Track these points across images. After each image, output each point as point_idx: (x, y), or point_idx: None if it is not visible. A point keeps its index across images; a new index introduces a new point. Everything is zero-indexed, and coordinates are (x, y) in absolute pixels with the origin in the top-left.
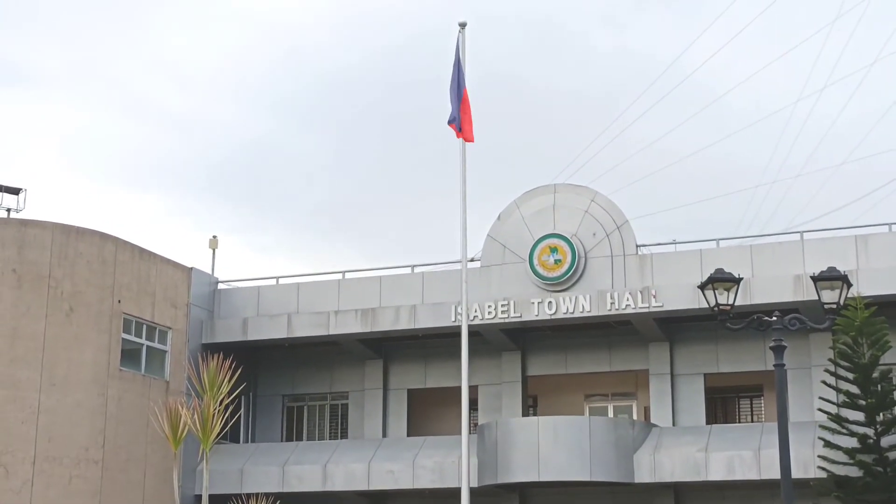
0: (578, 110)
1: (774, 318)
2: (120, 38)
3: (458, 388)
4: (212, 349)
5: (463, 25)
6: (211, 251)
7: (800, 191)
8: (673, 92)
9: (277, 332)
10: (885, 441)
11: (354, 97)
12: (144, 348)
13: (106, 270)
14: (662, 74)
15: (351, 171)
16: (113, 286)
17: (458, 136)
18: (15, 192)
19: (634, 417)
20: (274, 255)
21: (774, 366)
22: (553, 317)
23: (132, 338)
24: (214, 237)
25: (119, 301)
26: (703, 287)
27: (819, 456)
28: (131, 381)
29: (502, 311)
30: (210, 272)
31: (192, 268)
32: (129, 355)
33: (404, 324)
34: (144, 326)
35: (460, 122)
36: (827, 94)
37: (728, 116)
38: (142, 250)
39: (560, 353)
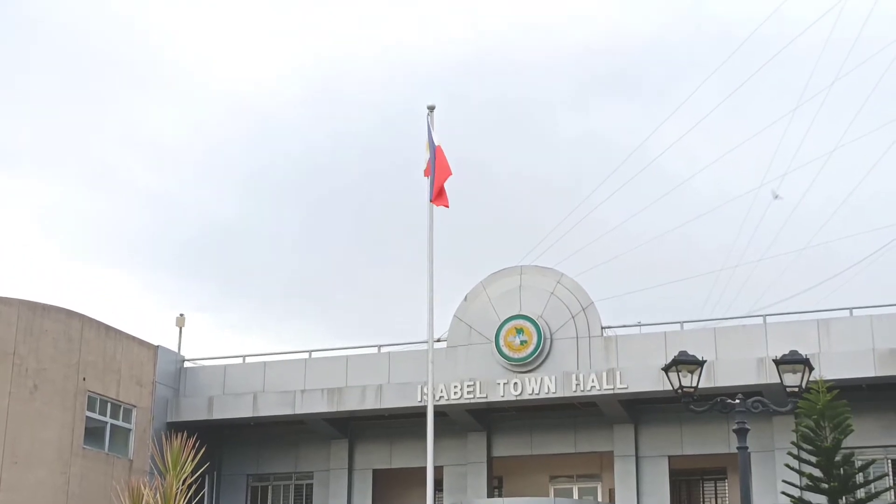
0: (545, 192)
1: (737, 401)
2: (93, 115)
3: (424, 469)
4: (177, 427)
5: (431, 108)
6: (178, 329)
7: (763, 274)
8: (637, 176)
9: (243, 410)
10: None
11: (324, 177)
12: (108, 426)
13: (72, 348)
14: (627, 159)
15: (319, 250)
16: (78, 363)
17: (436, 205)
18: None
19: (599, 499)
20: (241, 334)
21: (738, 448)
22: (519, 398)
23: (96, 416)
24: (181, 315)
25: (84, 378)
26: (667, 369)
27: None
28: (94, 460)
29: (468, 392)
30: (176, 350)
31: (158, 346)
32: (93, 433)
33: (370, 403)
34: (109, 404)
35: (432, 193)
36: (789, 180)
37: (692, 200)
38: (108, 328)
39: (525, 434)
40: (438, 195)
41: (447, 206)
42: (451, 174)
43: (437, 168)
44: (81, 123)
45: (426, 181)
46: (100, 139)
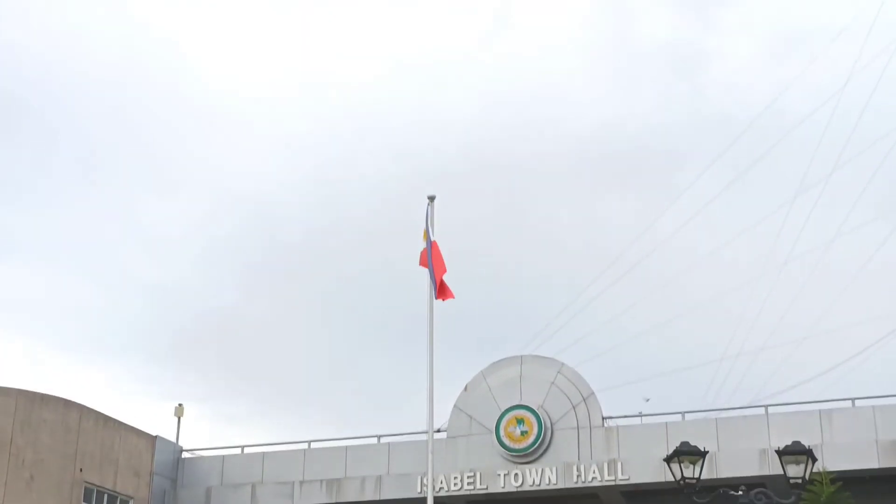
0: (545, 282)
1: (740, 493)
2: (89, 205)
3: None
4: None
5: (432, 199)
6: (176, 419)
7: (763, 364)
8: (637, 266)
9: (241, 502)
10: None
11: (324, 266)
12: None
13: (69, 438)
14: (627, 250)
15: (318, 339)
16: (75, 454)
17: (443, 299)
18: None
19: None
20: (240, 424)
21: None
22: (519, 489)
23: None
24: (180, 405)
25: (81, 469)
26: (668, 460)
27: None
28: None
29: (468, 483)
30: (175, 440)
31: (156, 436)
32: None
33: (370, 495)
34: (106, 495)
35: (436, 288)
36: (789, 269)
37: (692, 289)
38: (106, 418)
39: None
40: (441, 289)
41: (453, 297)
42: (445, 271)
43: (433, 262)
44: (78, 214)
45: (425, 271)
46: (97, 230)
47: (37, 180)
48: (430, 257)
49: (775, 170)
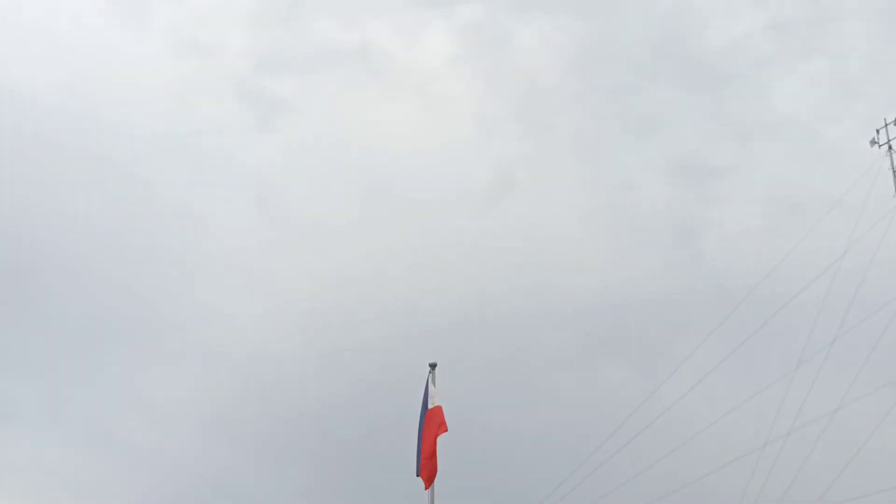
0: (546, 451)
1: None
2: (82, 371)
3: None
4: None
5: (433, 366)
6: None
7: None
8: (642, 433)
9: None
10: None
11: (321, 435)
12: None
13: None
14: (630, 416)
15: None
16: None
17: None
18: None
19: None
20: None
21: None
22: None
23: None
24: None
25: None
26: None
27: None
28: None
29: None
30: None
31: None
32: None
33: None
34: None
35: (419, 469)
36: (794, 438)
37: (697, 458)
38: None
39: None
40: (429, 470)
41: (426, 487)
42: (446, 430)
43: (426, 432)
44: (70, 379)
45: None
46: (93, 396)
47: (28, 345)
48: (422, 430)
49: (776, 338)
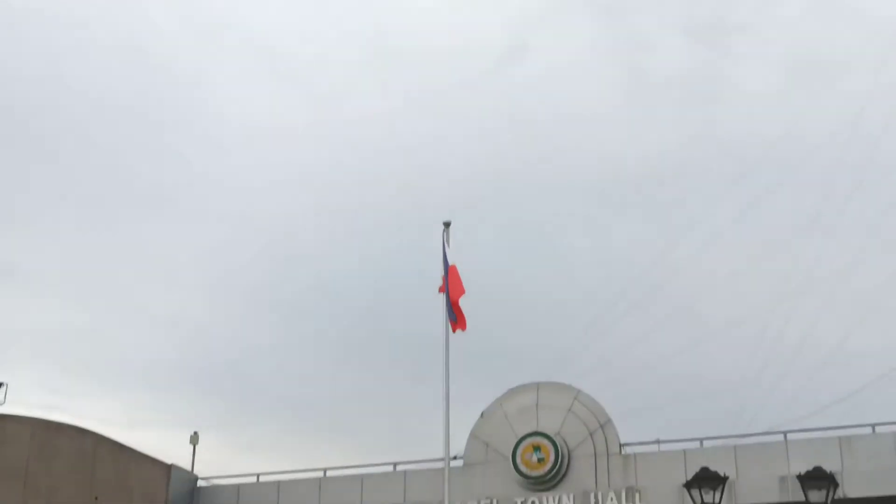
0: (560, 309)
1: None
2: (107, 236)
3: None
4: None
5: (447, 225)
6: (191, 447)
7: (782, 391)
8: (656, 290)
9: None
10: None
11: (338, 294)
12: None
13: (84, 466)
14: (646, 273)
15: (334, 368)
16: (91, 482)
17: (454, 330)
18: None
19: None
20: (255, 452)
21: None
22: None
23: None
24: (195, 433)
25: (96, 497)
26: (689, 486)
27: None
28: None
29: None
30: (190, 469)
31: (171, 464)
32: None
33: None
34: None
35: (453, 317)
36: (807, 296)
37: (709, 316)
38: (121, 446)
39: None
40: (458, 318)
41: (464, 329)
42: (463, 292)
43: (451, 288)
44: (96, 245)
45: (441, 297)
46: (113, 259)
47: (56, 209)
48: (448, 283)
49: (793, 195)
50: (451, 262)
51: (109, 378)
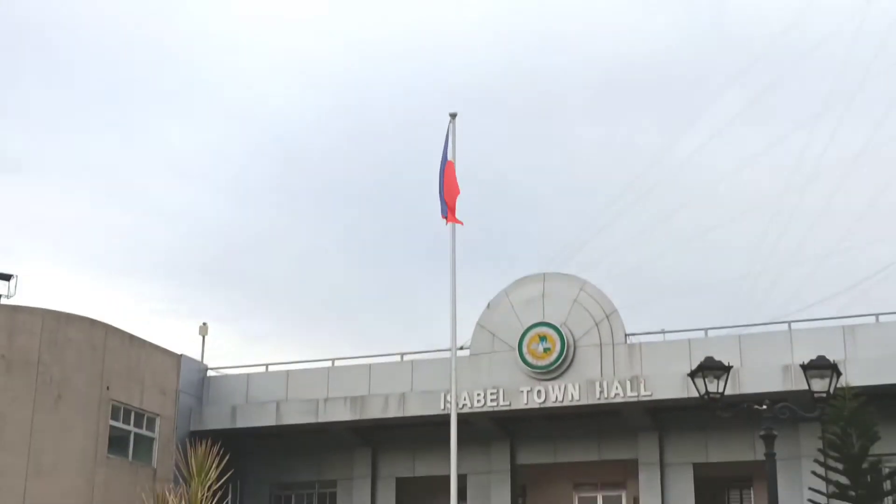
0: (568, 200)
1: (764, 408)
2: (119, 132)
3: (447, 477)
4: (200, 436)
5: (453, 116)
6: (201, 338)
7: (788, 281)
8: (662, 183)
9: (266, 419)
10: None
11: (347, 186)
12: (132, 435)
13: (95, 357)
14: (650, 166)
15: (342, 259)
16: (102, 372)
17: (448, 222)
18: (6, 278)
19: None
20: (264, 343)
21: (765, 455)
22: (542, 405)
23: (120, 424)
24: (204, 324)
25: (108, 387)
26: (693, 375)
27: None
28: (119, 468)
29: (491, 400)
30: (199, 359)
31: (181, 355)
32: (117, 442)
33: (393, 412)
34: (133, 413)
35: (446, 210)
36: (813, 186)
37: (716, 208)
38: (131, 337)
39: (549, 442)
40: (450, 212)
41: (461, 224)
42: (458, 193)
43: (445, 185)
44: (104, 140)
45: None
46: (123, 155)
47: (64, 104)
48: (443, 178)
49: (798, 89)
50: (450, 158)
51: (118, 271)
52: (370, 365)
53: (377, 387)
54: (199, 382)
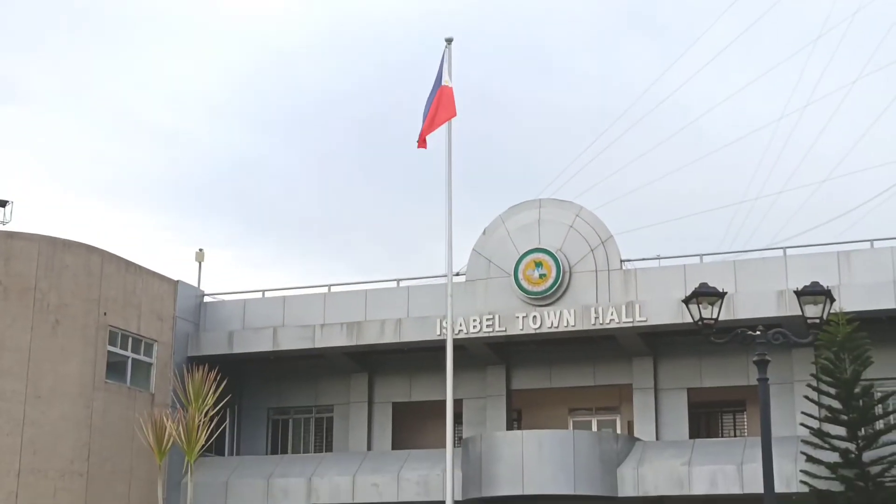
0: (564, 128)
1: (758, 333)
2: (112, 57)
3: (443, 402)
4: (197, 362)
5: (449, 41)
6: (197, 264)
7: (782, 207)
8: (656, 111)
9: (263, 345)
10: (867, 456)
11: (343, 111)
12: (130, 361)
13: (92, 283)
14: (646, 91)
15: (338, 185)
16: (99, 298)
17: (419, 147)
18: (2, 204)
19: (618, 432)
20: (261, 270)
21: (758, 380)
22: (538, 331)
23: (118, 350)
24: (201, 250)
25: (105, 313)
26: (687, 301)
27: (801, 470)
28: (117, 394)
29: (487, 325)
30: (196, 285)
31: (178, 281)
32: (115, 367)
33: (389, 337)
34: (130, 339)
35: (420, 133)
36: (809, 112)
37: (711, 135)
38: (128, 263)
39: (544, 368)
40: (427, 132)
41: (425, 148)
42: (454, 115)
43: (438, 107)
44: (100, 66)
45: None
46: (118, 81)
47: (50, 29)
48: (430, 103)
49: (796, 11)
50: (445, 83)
51: (113, 197)
52: (366, 291)
53: (373, 312)
54: (195, 308)
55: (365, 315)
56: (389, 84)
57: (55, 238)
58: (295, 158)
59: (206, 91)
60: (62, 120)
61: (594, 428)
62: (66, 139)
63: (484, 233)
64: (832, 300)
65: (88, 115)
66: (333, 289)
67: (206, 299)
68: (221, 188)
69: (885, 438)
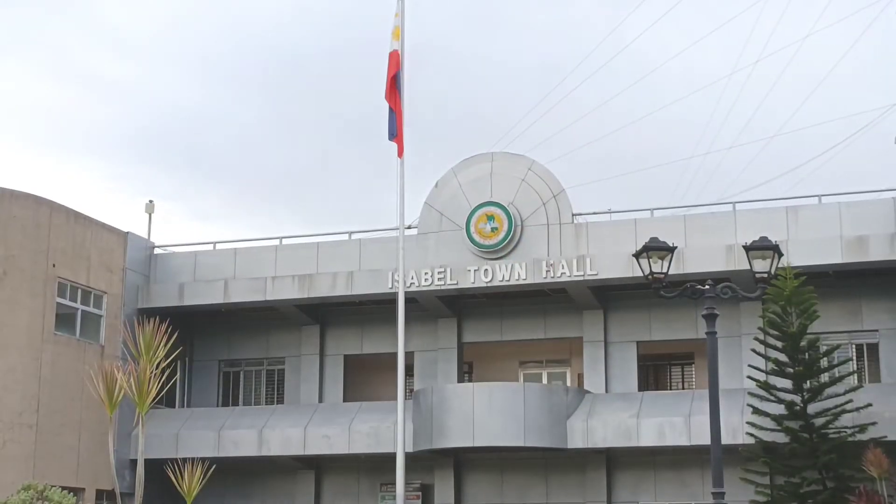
0: (517, 80)
1: (707, 287)
2: (56, 3)
3: (395, 355)
4: (148, 314)
5: None
6: (147, 216)
7: (732, 162)
8: (609, 63)
9: (214, 297)
10: (812, 408)
11: (291, 60)
12: (79, 312)
13: (40, 234)
14: (598, 46)
15: (288, 136)
16: (47, 250)
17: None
18: None
19: (568, 384)
20: (211, 222)
21: (706, 334)
22: (489, 284)
23: (67, 302)
24: (150, 202)
25: (54, 265)
26: (637, 255)
27: (748, 423)
28: (66, 346)
29: (439, 279)
30: (146, 237)
31: (127, 232)
32: (64, 319)
33: (341, 290)
34: (79, 291)
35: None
36: (761, 68)
37: (663, 88)
38: (77, 214)
39: (495, 321)
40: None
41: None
42: (398, 69)
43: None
44: (44, 13)
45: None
46: (64, 29)
47: None
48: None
49: None
50: (394, 48)
51: (63, 149)
52: (318, 243)
53: (325, 265)
54: (146, 260)
55: (317, 268)
56: (342, 35)
57: (2, 189)
58: (246, 109)
59: (156, 41)
60: (3, 67)
61: (544, 381)
62: (8, 89)
63: (436, 186)
64: (780, 255)
65: (33, 62)
66: (285, 241)
67: (157, 251)
68: (171, 139)
69: (829, 391)
